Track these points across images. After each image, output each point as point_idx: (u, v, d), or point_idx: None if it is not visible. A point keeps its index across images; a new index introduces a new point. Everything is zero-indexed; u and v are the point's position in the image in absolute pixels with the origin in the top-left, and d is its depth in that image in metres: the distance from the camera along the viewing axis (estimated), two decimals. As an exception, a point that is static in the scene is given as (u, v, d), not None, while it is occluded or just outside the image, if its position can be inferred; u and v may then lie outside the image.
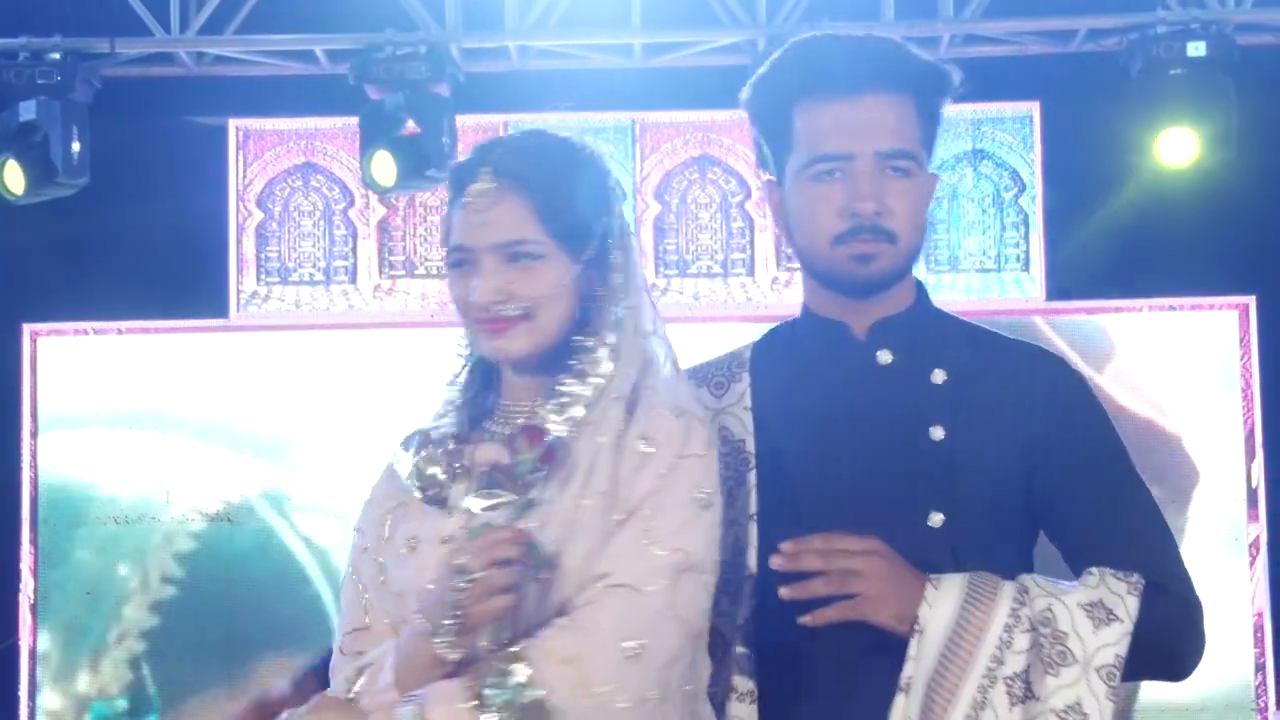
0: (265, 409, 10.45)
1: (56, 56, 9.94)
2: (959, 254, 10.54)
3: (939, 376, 4.00)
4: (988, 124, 10.60)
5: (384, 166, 9.90)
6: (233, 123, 10.72)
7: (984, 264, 10.54)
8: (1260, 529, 10.34)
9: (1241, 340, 10.42)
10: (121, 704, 10.37)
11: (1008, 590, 3.78)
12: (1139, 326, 10.53)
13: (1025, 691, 3.75)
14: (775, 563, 3.79)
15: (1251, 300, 10.43)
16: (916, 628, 3.75)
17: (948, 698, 3.76)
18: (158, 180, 10.45)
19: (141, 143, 10.42)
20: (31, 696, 10.38)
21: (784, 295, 10.51)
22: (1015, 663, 3.74)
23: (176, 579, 10.45)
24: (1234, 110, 9.85)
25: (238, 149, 10.72)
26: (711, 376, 4.19)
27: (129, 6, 10.07)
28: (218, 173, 10.67)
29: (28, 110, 9.86)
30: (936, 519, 3.90)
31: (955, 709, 3.74)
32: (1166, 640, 3.95)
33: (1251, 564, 10.37)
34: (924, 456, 3.95)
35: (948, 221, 10.49)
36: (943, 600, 3.77)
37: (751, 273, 10.63)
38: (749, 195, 10.60)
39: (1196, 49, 9.83)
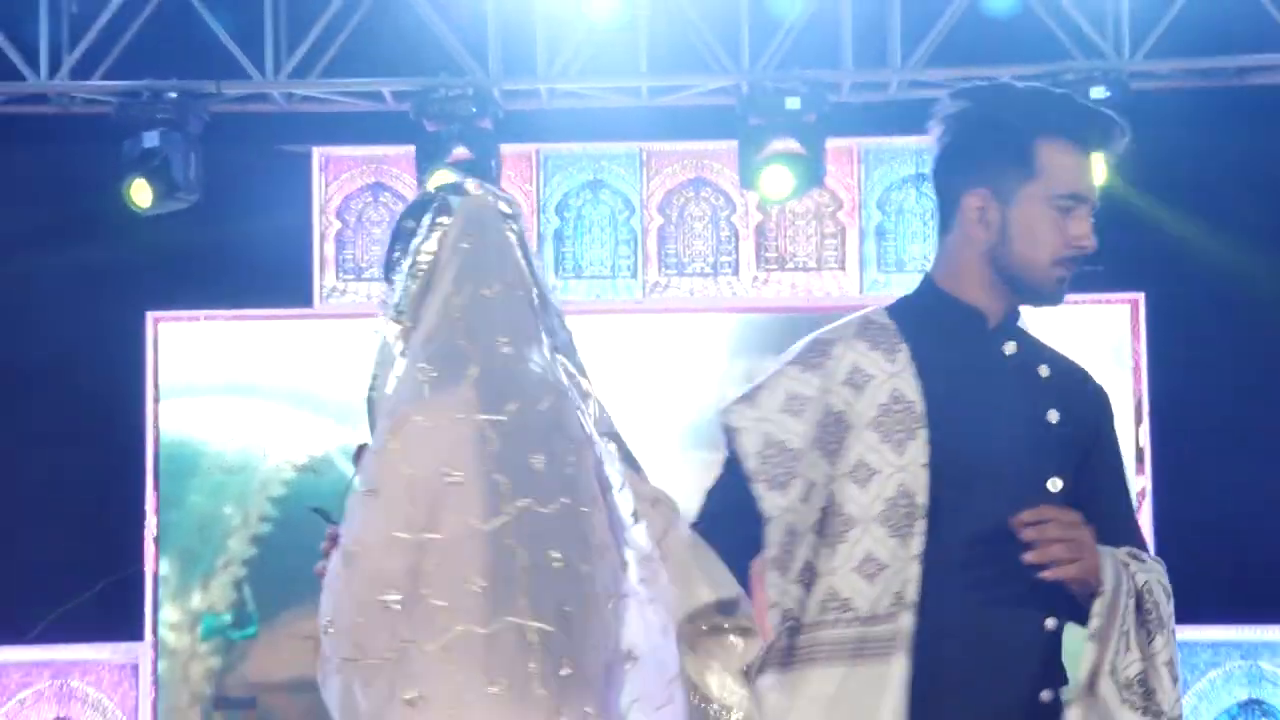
0: (341, 381, 10.16)
1: (173, 95, 10.15)
2: (904, 258, 10.68)
3: (1044, 371, 4.18)
4: (928, 153, 10.67)
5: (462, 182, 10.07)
6: (316, 150, 10.81)
7: (925, 266, 10.37)
8: (1146, 481, 10.35)
9: (1132, 329, 10.42)
10: (226, 618, 10.42)
11: (1119, 557, 3.97)
12: (1048, 317, 10.56)
13: (1132, 644, 3.93)
14: (1026, 532, 3.85)
15: (1141, 296, 10.46)
16: (1102, 588, 3.88)
17: (1105, 644, 3.88)
18: (255, 197, 10.62)
19: (242, 166, 10.55)
20: (154, 611, 10.45)
21: (762, 290, 10.68)
22: (1130, 620, 3.91)
23: (271, 517, 10.46)
24: (1130, 141, 10.05)
25: (320, 171, 10.83)
26: (878, 342, 4.14)
27: (232, 55, 10.26)
28: (304, 190, 10.76)
29: (150, 139, 10.03)
30: (1056, 484, 4.01)
31: (1109, 653, 3.87)
32: None
33: (1138, 510, 10.36)
34: (1045, 433, 4.05)
35: (895, 232, 10.68)
36: (1106, 566, 3.92)
37: (736, 273, 10.75)
38: (734, 210, 10.74)
39: (1098, 92, 10.00)
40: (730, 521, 4.05)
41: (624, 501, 3.52)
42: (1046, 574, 3.89)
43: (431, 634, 3.20)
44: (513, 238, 3.58)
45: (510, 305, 3.51)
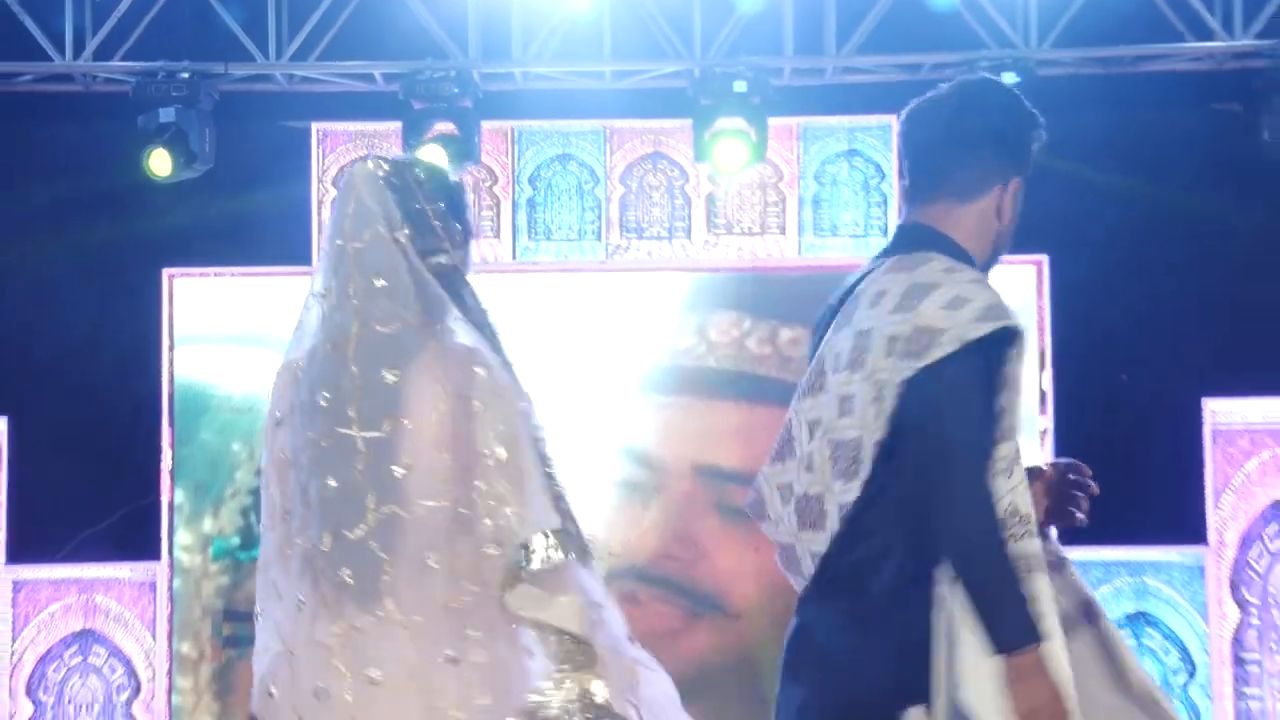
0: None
1: (186, 75, 10.08)
2: (837, 224, 10.68)
3: None
4: (859, 130, 10.75)
5: (437, 156, 9.91)
6: (314, 125, 10.78)
7: (855, 232, 10.66)
8: (1048, 421, 10.40)
9: (1037, 287, 10.43)
10: (235, 540, 10.40)
11: None
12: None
13: None
14: (1091, 485, 3.56)
15: (1045, 259, 10.45)
16: None
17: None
18: (260, 167, 10.58)
19: (248, 139, 10.50)
20: (170, 535, 10.46)
21: (712, 252, 10.70)
22: None
23: (275, 452, 10.41)
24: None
25: (318, 144, 10.78)
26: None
27: (239, 40, 10.23)
28: (303, 161, 10.73)
29: (167, 114, 9.99)
30: None
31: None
32: None
33: (1041, 446, 10.43)
34: None
35: (830, 201, 10.67)
36: None
37: (689, 236, 10.76)
38: (688, 181, 10.76)
39: (1009, 77, 9.91)
40: None
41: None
42: (1080, 516, 3.59)
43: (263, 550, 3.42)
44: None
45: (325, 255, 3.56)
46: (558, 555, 3.19)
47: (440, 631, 3.20)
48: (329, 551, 3.26)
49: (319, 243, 10.60)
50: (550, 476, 3.33)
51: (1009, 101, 3.98)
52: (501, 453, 3.28)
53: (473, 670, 3.17)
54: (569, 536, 3.26)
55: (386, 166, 3.47)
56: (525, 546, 3.22)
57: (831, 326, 3.49)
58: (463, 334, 3.35)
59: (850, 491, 3.25)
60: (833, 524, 3.26)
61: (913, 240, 3.70)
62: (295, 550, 3.32)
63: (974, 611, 3.11)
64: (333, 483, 3.28)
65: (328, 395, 3.37)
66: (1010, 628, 3.15)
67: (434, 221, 3.43)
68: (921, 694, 3.16)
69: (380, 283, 3.37)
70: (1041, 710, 3.17)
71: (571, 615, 3.16)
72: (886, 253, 3.71)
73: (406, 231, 3.40)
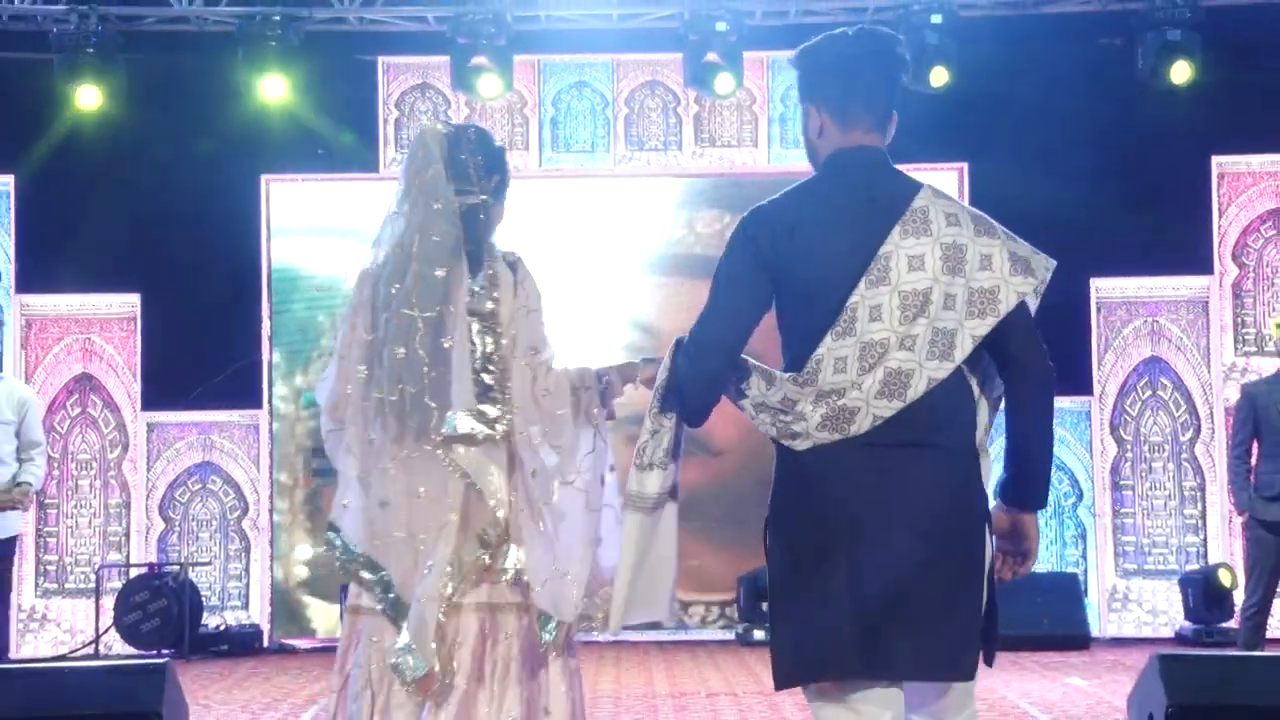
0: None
1: (277, 18, 10.01)
2: (799, 139, 10.55)
3: None
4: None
5: (480, 83, 10.02)
6: (380, 59, 10.73)
7: None
8: None
9: (959, 191, 10.43)
10: None
11: None
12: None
13: None
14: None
15: (965, 166, 10.50)
16: None
17: None
18: (337, 92, 10.54)
19: (327, 70, 10.40)
20: (269, 387, 10.55)
21: (698, 162, 10.64)
22: None
23: (352, 321, 10.42)
24: (958, 54, 9.97)
25: (383, 74, 10.74)
26: None
27: None
28: (371, 88, 10.70)
29: (264, 49, 9.98)
30: None
31: None
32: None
33: None
34: None
35: (794, 120, 10.50)
36: None
37: (680, 149, 10.71)
38: (679, 103, 10.69)
39: (936, 19, 9.98)
40: None
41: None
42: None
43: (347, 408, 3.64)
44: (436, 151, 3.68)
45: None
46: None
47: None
48: (396, 401, 3.53)
49: (387, 154, 10.65)
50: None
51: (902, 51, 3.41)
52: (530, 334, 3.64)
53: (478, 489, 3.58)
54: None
55: (447, 128, 3.70)
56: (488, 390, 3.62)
57: (892, 228, 3.15)
58: (470, 249, 3.64)
59: (943, 369, 3.11)
60: (915, 393, 3.10)
61: (889, 168, 3.32)
62: (371, 400, 3.56)
63: (1024, 451, 3.19)
64: (400, 352, 3.53)
65: (397, 285, 3.58)
66: (1042, 470, 3.27)
67: (471, 171, 3.64)
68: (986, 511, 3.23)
69: (436, 206, 3.60)
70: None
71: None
72: (870, 170, 3.28)
73: (452, 175, 3.64)
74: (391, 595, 3.49)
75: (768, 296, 3.22)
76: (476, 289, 3.56)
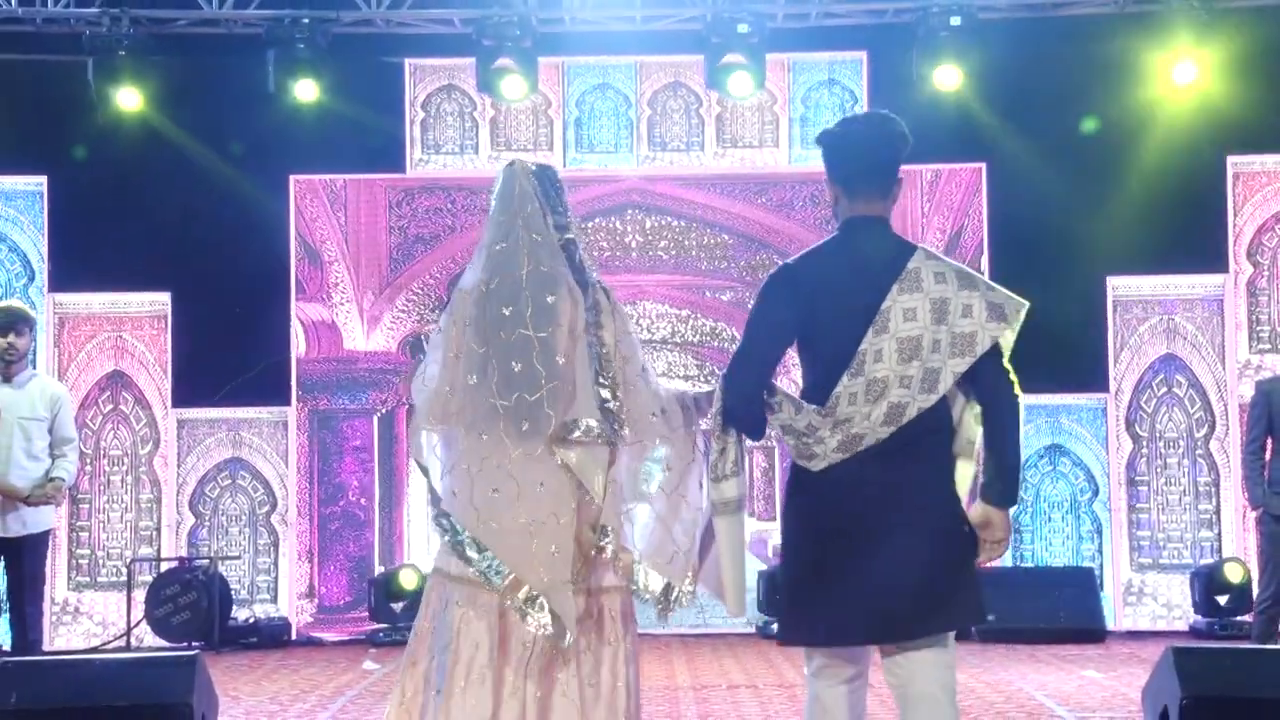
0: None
1: (306, 20, 10.07)
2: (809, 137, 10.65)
3: None
4: (837, 64, 10.66)
5: (505, 84, 10.07)
6: (407, 60, 10.76)
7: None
8: None
9: (979, 187, 10.46)
10: None
11: None
12: (913, 178, 10.57)
13: None
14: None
15: (984, 165, 10.48)
16: None
17: None
18: (364, 93, 10.55)
19: (355, 71, 10.43)
20: (297, 385, 10.54)
21: (720, 162, 10.67)
22: None
23: (378, 319, 10.52)
24: (977, 55, 10.06)
25: (410, 75, 10.77)
26: None
27: None
28: (398, 89, 10.73)
29: (294, 53, 10.04)
30: None
31: None
32: None
33: None
34: None
35: (813, 121, 10.52)
36: None
37: (702, 149, 10.72)
38: (701, 104, 10.69)
39: (955, 20, 9.98)
40: None
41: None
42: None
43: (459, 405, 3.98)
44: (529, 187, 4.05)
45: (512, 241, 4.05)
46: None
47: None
48: (513, 407, 3.90)
49: (414, 154, 10.65)
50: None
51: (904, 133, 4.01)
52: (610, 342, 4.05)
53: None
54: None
55: (534, 167, 4.10)
56: (605, 406, 4.02)
57: (890, 288, 3.81)
58: (591, 276, 4.07)
59: (928, 400, 3.80)
60: (907, 419, 3.80)
61: (891, 235, 3.97)
62: (484, 405, 3.91)
63: (999, 462, 3.89)
64: (517, 366, 3.90)
65: (510, 308, 3.92)
66: (1014, 477, 3.97)
67: (560, 206, 4.05)
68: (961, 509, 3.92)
69: (537, 238, 3.98)
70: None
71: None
72: (875, 238, 3.94)
73: (548, 210, 4.04)
74: (490, 568, 3.89)
75: (791, 337, 3.92)
76: (587, 314, 3.99)
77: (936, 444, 3.86)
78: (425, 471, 4.03)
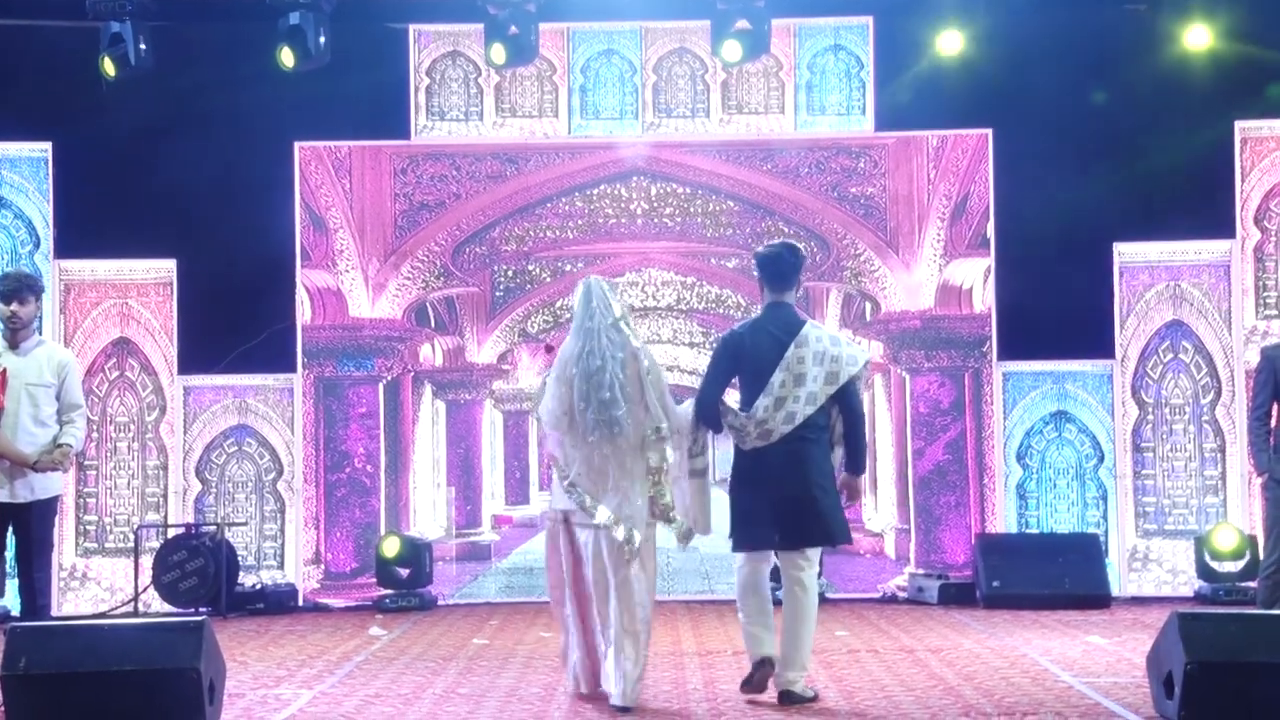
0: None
1: (309, -13, 10.04)
2: (825, 105, 10.58)
3: None
4: (843, 29, 10.58)
5: (498, 52, 10.03)
6: (411, 26, 10.72)
7: (839, 110, 10.53)
8: (992, 262, 10.38)
9: (986, 152, 10.43)
10: None
11: None
12: (919, 144, 10.59)
13: None
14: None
15: (990, 131, 10.46)
16: None
17: None
18: (369, 59, 10.51)
19: (360, 37, 10.39)
20: (302, 351, 10.56)
21: (725, 128, 10.63)
22: None
23: (384, 286, 10.51)
24: (983, 19, 10.00)
25: (414, 42, 10.72)
26: None
27: None
28: (403, 55, 10.68)
29: (294, 18, 9.87)
30: None
31: None
32: None
33: (984, 283, 10.42)
34: None
35: (819, 86, 10.54)
36: None
37: (708, 115, 10.67)
38: (707, 70, 10.65)
39: None
40: None
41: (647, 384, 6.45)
42: None
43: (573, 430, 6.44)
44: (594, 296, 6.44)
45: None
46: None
47: (638, 456, 6.38)
48: (603, 421, 6.28)
49: (418, 121, 10.62)
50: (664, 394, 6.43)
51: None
52: (656, 385, 6.41)
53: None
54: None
55: (606, 283, 6.46)
56: (657, 428, 6.35)
57: (790, 345, 6.32)
58: (634, 344, 6.39)
59: (810, 410, 6.33)
60: (800, 420, 6.31)
61: (793, 313, 6.44)
62: (590, 419, 6.27)
63: (852, 448, 6.48)
64: (606, 395, 6.26)
65: (598, 362, 6.32)
66: (862, 457, 6.57)
67: (617, 311, 6.41)
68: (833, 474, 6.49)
69: (605, 323, 6.38)
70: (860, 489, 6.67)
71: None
72: (784, 315, 6.44)
73: (620, 308, 6.43)
74: (594, 511, 6.30)
75: (734, 372, 6.45)
76: (632, 367, 6.35)
77: (818, 436, 6.32)
78: (554, 460, 6.43)
